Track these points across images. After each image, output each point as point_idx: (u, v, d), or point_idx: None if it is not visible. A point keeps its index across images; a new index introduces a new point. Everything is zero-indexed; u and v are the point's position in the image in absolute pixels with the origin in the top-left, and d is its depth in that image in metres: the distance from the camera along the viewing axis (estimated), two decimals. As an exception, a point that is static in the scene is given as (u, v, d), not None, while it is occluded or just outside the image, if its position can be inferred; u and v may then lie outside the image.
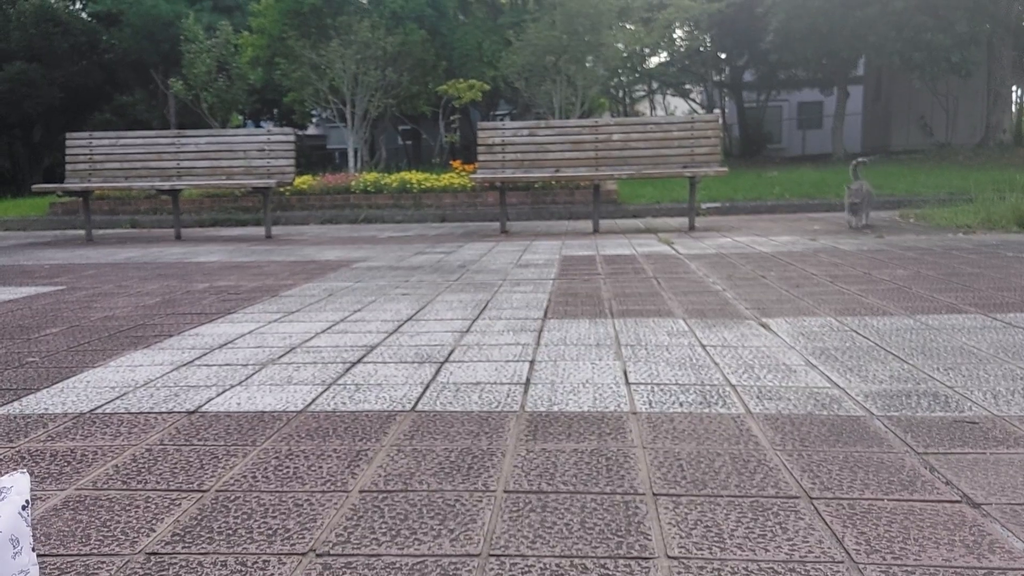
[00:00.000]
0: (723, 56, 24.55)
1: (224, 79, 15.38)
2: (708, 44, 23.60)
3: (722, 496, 1.36)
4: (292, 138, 7.29)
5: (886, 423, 1.71)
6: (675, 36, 22.21)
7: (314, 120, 26.14)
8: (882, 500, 1.33)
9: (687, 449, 1.59)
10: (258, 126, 25.33)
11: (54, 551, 1.21)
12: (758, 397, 1.91)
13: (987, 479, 1.40)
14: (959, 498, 1.33)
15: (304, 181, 9.75)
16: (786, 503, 1.33)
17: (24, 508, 0.85)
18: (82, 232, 7.78)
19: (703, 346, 2.46)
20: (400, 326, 2.91)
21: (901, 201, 8.25)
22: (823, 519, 1.26)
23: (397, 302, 3.45)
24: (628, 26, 18.16)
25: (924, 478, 1.42)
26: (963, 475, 1.42)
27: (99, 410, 1.94)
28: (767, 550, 1.17)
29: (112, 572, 1.15)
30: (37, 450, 1.67)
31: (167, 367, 2.37)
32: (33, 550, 0.89)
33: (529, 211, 8.91)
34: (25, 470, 0.93)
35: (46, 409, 1.96)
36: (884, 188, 9.14)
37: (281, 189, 9.14)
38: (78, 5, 22.32)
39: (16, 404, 2.01)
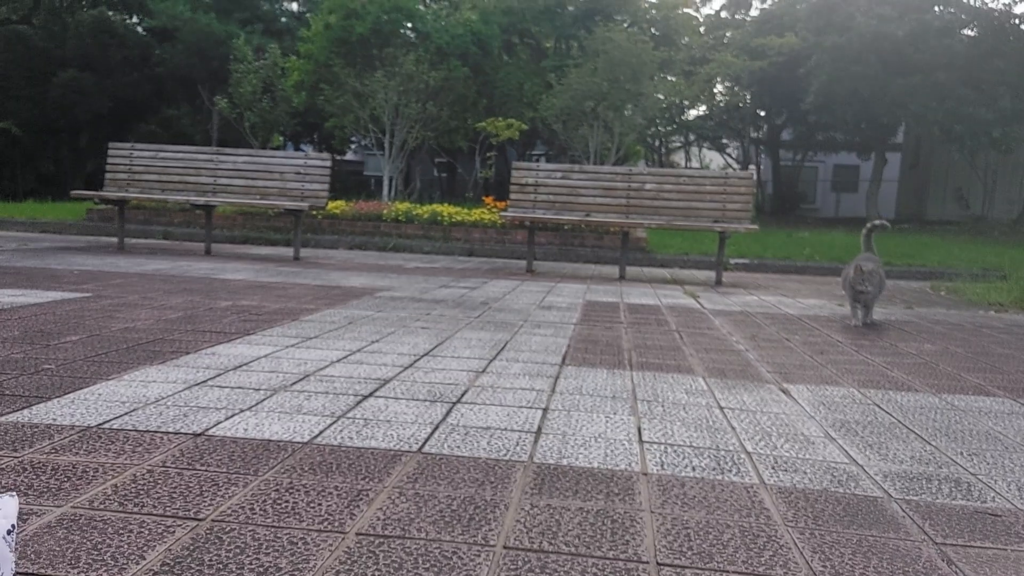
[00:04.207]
0: (762, 113, 24.63)
1: (268, 100, 15.68)
2: (748, 101, 23.71)
3: (728, 572, 1.31)
4: (328, 163, 7.38)
5: (904, 507, 1.65)
6: (715, 91, 22.35)
7: (353, 146, 26.51)
8: (895, 592, 1.27)
9: (696, 517, 1.54)
10: (298, 148, 25.73)
11: (42, 571, 1.19)
12: (773, 467, 1.86)
13: (1008, 578, 1.34)
14: (977, 596, 1.27)
15: (337, 206, 9.85)
16: (794, 586, 1.27)
17: (9, 533, 0.83)
18: (115, 240, 7.89)
19: (721, 408, 2.41)
20: (416, 361, 2.89)
21: (933, 272, 8.13)
22: (832, 607, 1.21)
23: (416, 335, 3.44)
24: (669, 78, 18.31)
25: (941, 571, 1.36)
26: (982, 571, 1.36)
27: (106, 425, 1.93)
28: (771, 636, 1.12)
29: (96, 598, 1.12)
30: (39, 462, 1.66)
31: (180, 385, 2.36)
32: (14, 576, 0.87)
33: (557, 252, 8.91)
34: (14, 493, 0.91)
35: (54, 420, 1.96)
36: (916, 258, 9.03)
37: (313, 212, 9.23)
38: (134, 19, 22.96)
39: (26, 412, 2.01)
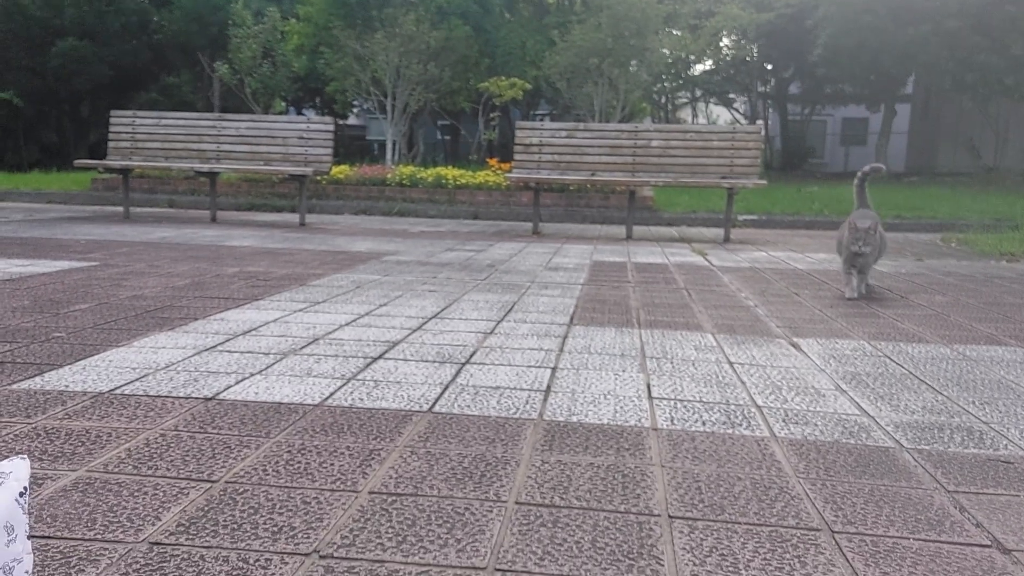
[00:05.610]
0: (769, 67, 24.28)
1: (269, 65, 15.52)
2: (755, 54, 23.35)
3: (740, 523, 1.32)
4: (331, 127, 7.32)
5: (916, 456, 1.65)
6: (722, 44, 21.99)
7: (355, 110, 26.31)
8: (908, 539, 1.28)
9: (707, 471, 1.54)
10: (300, 113, 25.55)
11: (58, 533, 1.20)
12: (784, 420, 1.86)
13: (1020, 524, 1.34)
14: (989, 542, 1.27)
15: (341, 171, 9.80)
16: (806, 535, 1.28)
17: (22, 495, 0.83)
18: (120, 209, 7.88)
19: (731, 363, 2.41)
20: (424, 323, 2.89)
21: (943, 224, 8.07)
22: (844, 556, 1.21)
23: (423, 298, 3.43)
24: (675, 32, 18.01)
25: (953, 518, 1.36)
26: (995, 518, 1.36)
27: (118, 391, 1.94)
28: (783, 585, 1.12)
29: (113, 560, 1.13)
30: (53, 428, 1.67)
31: (189, 351, 2.37)
32: (29, 538, 0.88)
33: (563, 213, 8.87)
34: (25, 456, 0.91)
35: (66, 386, 1.97)
36: (926, 210, 8.95)
37: (318, 177, 9.19)
38: (131, -15, 22.65)
39: (38, 379, 2.02)
